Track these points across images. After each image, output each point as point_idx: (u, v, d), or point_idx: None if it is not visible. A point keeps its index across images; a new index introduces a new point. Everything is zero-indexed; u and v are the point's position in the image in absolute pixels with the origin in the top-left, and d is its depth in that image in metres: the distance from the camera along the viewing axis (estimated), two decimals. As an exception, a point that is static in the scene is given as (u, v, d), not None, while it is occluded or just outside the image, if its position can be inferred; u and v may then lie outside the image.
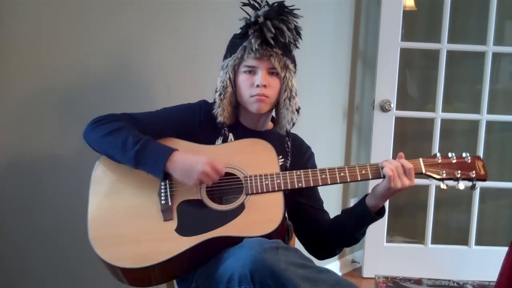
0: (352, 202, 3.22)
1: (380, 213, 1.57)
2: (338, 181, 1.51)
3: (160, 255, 1.41)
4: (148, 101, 2.09)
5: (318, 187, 1.70)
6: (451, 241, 3.12)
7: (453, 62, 3.09)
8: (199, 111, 1.62)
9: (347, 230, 1.61)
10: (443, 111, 3.00)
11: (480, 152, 3.02)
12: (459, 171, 1.53)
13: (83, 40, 1.87)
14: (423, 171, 1.54)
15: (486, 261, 2.90)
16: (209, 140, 1.60)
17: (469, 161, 1.55)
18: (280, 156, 1.62)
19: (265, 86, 1.55)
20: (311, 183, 1.51)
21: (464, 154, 1.56)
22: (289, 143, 1.64)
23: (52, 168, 1.84)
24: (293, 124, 1.62)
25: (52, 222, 1.85)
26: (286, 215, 1.60)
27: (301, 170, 1.53)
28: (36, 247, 1.85)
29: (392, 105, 2.95)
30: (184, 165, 1.46)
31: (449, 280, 2.54)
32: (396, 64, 2.92)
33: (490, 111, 3.01)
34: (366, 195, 1.57)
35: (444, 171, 1.53)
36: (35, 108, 1.80)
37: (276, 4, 1.57)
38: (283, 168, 1.62)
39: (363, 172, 1.52)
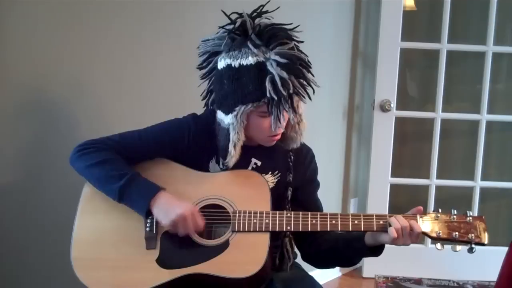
0: (352, 203, 3.22)
1: (377, 250, 1.53)
2: (328, 229, 1.46)
3: (137, 285, 1.41)
4: (142, 103, 2.09)
5: (318, 190, 1.69)
6: (451, 241, 3.11)
7: (453, 62, 3.08)
8: (187, 130, 1.54)
9: (344, 257, 1.60)
10: (443, 111, 3.00)
11: (480, 152, 3.02)
12: (456, 233, 1.46)
13: (81, 41, 1.87)
14: (420, 230, 1.46)
15: (486, 261, 2.89)
16: (199, 160, 1.55)
17: (471, 221, 1.46)
18: (277, 172, 1.58)
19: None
20: (300, 227, 1.45)
21: (467, 213, 1.48)
22: (292, 157, 1.60)
23: (52, 168, 1.84)
24: (300, 143, 1.57)
25: (52, 223, 1.86)
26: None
27: (292, 212, 1.48)
28: (37, 248, 1.85)
29: (392, 105, 2.94)
30: (167, 204, 1.43)
31: (449, 280, 2.54)
32: (396, 64, 2.92)
33: (490, 111, 3.01)
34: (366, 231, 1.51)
35: (440, 231, 1.46)
36: (34, 109, 1.80)
37: (289, 50, 1.42)
38: (286, 182, 1.58)
39: (356, 222, 1.45)
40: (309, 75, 1.46)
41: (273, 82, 1.40)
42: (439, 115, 2.99)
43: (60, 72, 1.85)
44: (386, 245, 1.49)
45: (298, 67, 1.42)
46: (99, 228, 1.48)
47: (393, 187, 3.05)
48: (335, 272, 3.16)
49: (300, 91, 1.44)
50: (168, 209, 1.42)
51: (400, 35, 2.89)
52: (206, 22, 1.53)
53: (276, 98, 1.40)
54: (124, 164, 1.49)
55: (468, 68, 3.26)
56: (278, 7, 1.55)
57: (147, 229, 1.47)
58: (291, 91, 1.41)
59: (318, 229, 1.46)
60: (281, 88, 1.40)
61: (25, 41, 1.74)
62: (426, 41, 3.05)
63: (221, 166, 1.55)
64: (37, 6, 1.74)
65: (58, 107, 1.86)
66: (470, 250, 1.47)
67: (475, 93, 3.05)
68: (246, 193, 1.50)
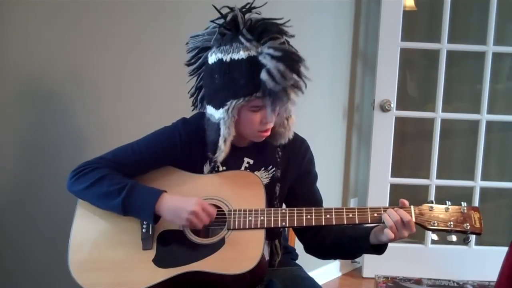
0: (352, 202, 3.22)
1: (381, 248, 1.53)
2: (323, 223, 1.47)
3: (134, 285, 1.42)
4: (142, 101, 2.10)
5: (317, 182, 1.69)
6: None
7: (453, 62, 3.08)
8: (179, 137, 1.54)
9: (348, 252, 1.62)
10: (443, 111, 3.00)
11: (480, 152, 3.02)
12: (451, 223, 1.45)
13: (81, 38, 1.87)
14: (413, 220, 1.46)
15: (486, 261, 2.90)
16: (194, 165, 1.56)
17: (465, 211, 1.47)
18: (271, 167, 1.60)
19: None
20: (295, 223, 1.47)
21: (462, 204, 1.49)
22: (280, 153, 1.61)
23: (51, 170, 1.84)
24: (288, 139, 1.58)
25: (51, 224, 1.86)
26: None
27: (287, 209, 1.50)
28: (36, 248, 1.85)
29: (392, 105, 2.95)
30: (174, 205, 1.44)
31: (449, 280, 2.53)
32: (396, 64, 2.92)
33: (490, 111, 3.01)
34: (371, 230, 1.52)
35: (435, 221, 1.46)
36: (33, 106, 1.80)
37: (283, 46, 1.42)
38: (274, 178, 1.60)
39: (350, 215, 1.47)
40: (302, 69, 1.44)
41: (269, 73, 1.39)
42: (439, 115, 3.00)
43: (59, 69, 1.85)
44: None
45: (292, 61, 1.41)
46: (95, 231, 1.49)
47: (393, 187, 3.05)
48: (335, 272, 3.16)
49: (298, 83, 1.42)
50: (177, 210, 1.43)
51: (400, 35, 2.89)
52: (207, 21, 1.53)
53: (274, 90, 1.39)
54: (121, 177, 1.49)
55: (468, 68, 3.26)
56: (266, 3, 1.55)
57: (143, 230, 1.48)
58: (291, 82, 1.40)
59: (313, 224, 1.47)
60: (280, 80, 1.38)
61: (25, 38, 1.74)
62: (426, 41, 3.06)
63: (216, 169, 1.56)
64: (38, 2, 1.74)
65: (56, 106, 1.86)
66: (466, 240, 1.48)
67: (475, 93, 3.05)
68: (241, 192, 1.51)
